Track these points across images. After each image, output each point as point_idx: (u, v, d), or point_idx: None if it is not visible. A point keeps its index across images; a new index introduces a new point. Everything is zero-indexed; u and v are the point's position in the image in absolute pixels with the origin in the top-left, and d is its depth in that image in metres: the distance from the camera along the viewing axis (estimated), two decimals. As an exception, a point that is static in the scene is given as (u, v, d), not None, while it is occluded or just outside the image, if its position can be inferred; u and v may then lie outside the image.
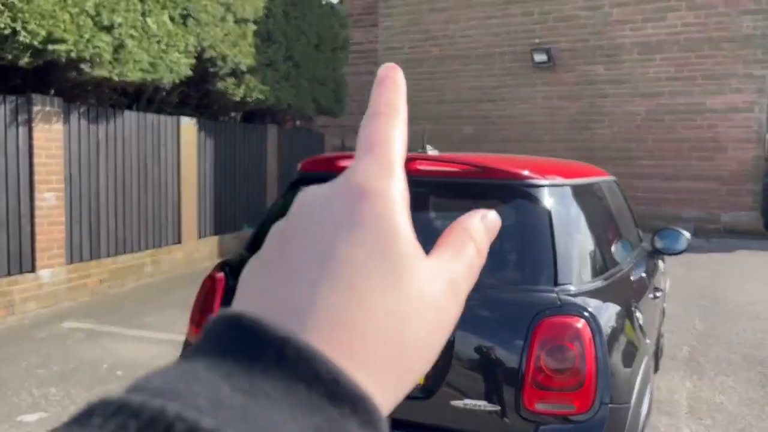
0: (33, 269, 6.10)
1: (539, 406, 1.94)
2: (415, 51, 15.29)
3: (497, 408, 1.97)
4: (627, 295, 2.55)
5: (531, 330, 1.99)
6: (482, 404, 1.98)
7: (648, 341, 2.58)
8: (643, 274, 3.13)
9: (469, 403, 1.99)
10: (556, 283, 2.12)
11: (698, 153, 13.18)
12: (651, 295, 3.07)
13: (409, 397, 2.05)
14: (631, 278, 2.84)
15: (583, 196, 2.66)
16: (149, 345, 5.04)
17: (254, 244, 2.61)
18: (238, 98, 8.77)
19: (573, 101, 14.09)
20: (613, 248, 2.82)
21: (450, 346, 2.04)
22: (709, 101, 12.91)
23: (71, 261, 6.55)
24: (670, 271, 8.82)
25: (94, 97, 7.44)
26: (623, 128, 13.83)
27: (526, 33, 14.27)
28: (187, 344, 2.60)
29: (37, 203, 6.05)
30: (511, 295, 2.09)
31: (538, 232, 2.21)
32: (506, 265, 2.19)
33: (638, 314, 2.50)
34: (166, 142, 7.93)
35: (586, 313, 2.03)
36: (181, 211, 8.23)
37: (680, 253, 3.79)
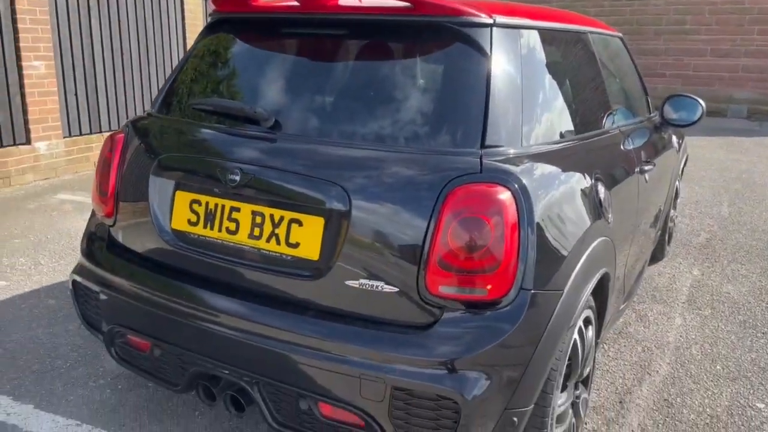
0: (28, 141, 5.97)
1: (444, 290, 1.63)
2: None
3: (396, 290, 1.67)
4: (590, 164, 2.14)
5: (441, 199, 1.63)
6: (379, 285, 1.68)
7: (612, 220, 2.19)
8: (631, 146, 2.68)
9: (365, 283, 1.70)
10: (483, 145, 1.73)
11: (761, 26, 11.87)
12: (637, 169, 2.65)
13: (296, 276, 1.77)
14: (608, 147, 2.41)
15: (552, 44, 2.20)
16: (134, 218, 4.92)
17: (165, 101, 2.28)
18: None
19: (624, -33, 12.75)
20: (587, 111, 2.37)
21: (344, 217, 1.72)
22: (780, -37, 11.45)
23: (69, 134, 6.39)
24: (706, 153, 8.17)
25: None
26: (678, -2, 12.52)
27: None
28: (93, 211, 2.36)
29: (25, 72, 5.81)
30: (424, 157, 1.73)
31: (466, 82, 1.80)
32: (426, 125, 1.81)
33: (600, 187, 2.11)
34: (167, 7, 7.47)
35: (515, 183, 1.66)
36: (189, 85, 7.90)
37: (693, 124, 3.29)
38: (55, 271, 3.79)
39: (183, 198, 2.01)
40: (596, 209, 2.05)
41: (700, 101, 3.27)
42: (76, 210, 5.10)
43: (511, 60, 1.90)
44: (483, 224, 1.61)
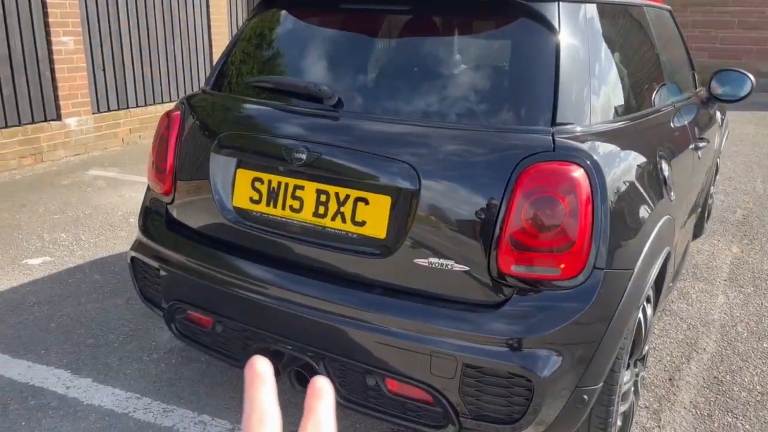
0: (59, 117, 6.00)
1: (516, 269, 1.63)
2: None
3: (466, 269, 1.67)
4: (653, 142, 2.11)
5: (513, 178, 1.63)
6: (449, 264, 1.68)
7: (674, 198, 2.17)
8: (686, 122, 2.65)
9: (434, 262, 1.70)
10: (553, 123, 1.72)
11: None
12: (692, 146, 2.61)
13: (363, 254, 1.78)
14: (666, 124, 2.38)
15: (613, 18, 2.16)
16: (167, 194, 4.95)
17: (220, 78, 2.28)
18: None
19: (651, -63, 12.43)
20: (646, 87, 2.34)
21: (413, 195, 1.72)
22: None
23: (98, 110, 6.42)
24: (737, 128, 8.04)
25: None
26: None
27: None
28: (148, 188, 2.38)
29: (54, 47, 5.81)
30: (493, 135, 1.71)
31: (536, 58, 1.78)
32: (494, 102, 1.79)
33: (664, 165, 2.09)
34: (192, -15, 7.43)
35: (587, 161, 1.65)
36: (214, 60, 7.88)
37: (742, 99, 3.23)
38: (96, 247, 3.83)
39: (244, 176, 2.02)
40: (661, 187, 2.03)
41: (750, 76, 3.21)
42: (109, 186, 5.14)
43: (577, 35, 1.87)
44: (557, 203, 1.60)
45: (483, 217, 1.66)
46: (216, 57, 7.88)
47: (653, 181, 1.97)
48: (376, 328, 1.75)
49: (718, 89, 3.26)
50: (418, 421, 1.79)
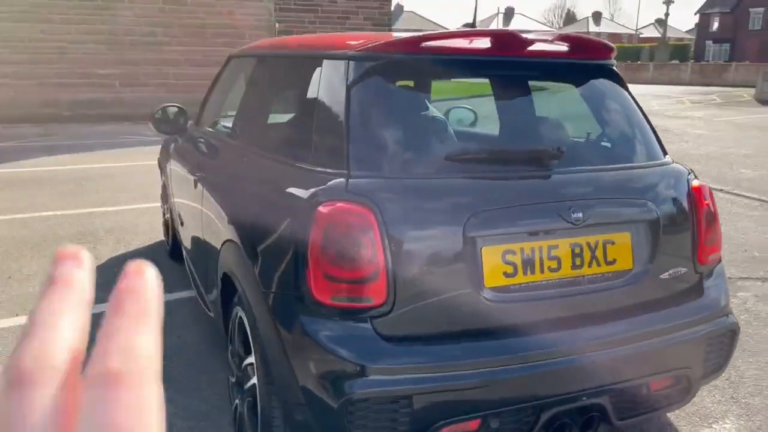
0: None
1: (710, 258, 2.27)
2: None
3: (685, 269, 2.20)
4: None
5: (691, 195, 2.24)
6: (679, 270, 2.17)
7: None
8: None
9: (672, 272, 2.15)
10: (665, 154, 2.40)
11: (222, 39, 13.70)
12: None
13: (620, 287, 2.07)
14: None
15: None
16: None
17: (386, 161, 1.89)
18: None
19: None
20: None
21: (654, 224, 2.09)
22: (227, -13, 13.42)
23: None
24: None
25: None
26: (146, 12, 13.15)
27: None
28: (303, 298, 1.77)
29: None
30: (662, 169, 2.26)
31: (633, 108, 2.39)
32: (625, 144, 2.34)
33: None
34: None
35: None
36: None
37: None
38: None
39: (492, 252, 1.88)
40: None
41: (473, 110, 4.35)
42: None
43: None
44: (710, 208, 2.32)
45: (688, 225, 2.21)
46: None
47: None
48: (656, 342, 2.06)
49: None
50: (666, 404, 2.21)
